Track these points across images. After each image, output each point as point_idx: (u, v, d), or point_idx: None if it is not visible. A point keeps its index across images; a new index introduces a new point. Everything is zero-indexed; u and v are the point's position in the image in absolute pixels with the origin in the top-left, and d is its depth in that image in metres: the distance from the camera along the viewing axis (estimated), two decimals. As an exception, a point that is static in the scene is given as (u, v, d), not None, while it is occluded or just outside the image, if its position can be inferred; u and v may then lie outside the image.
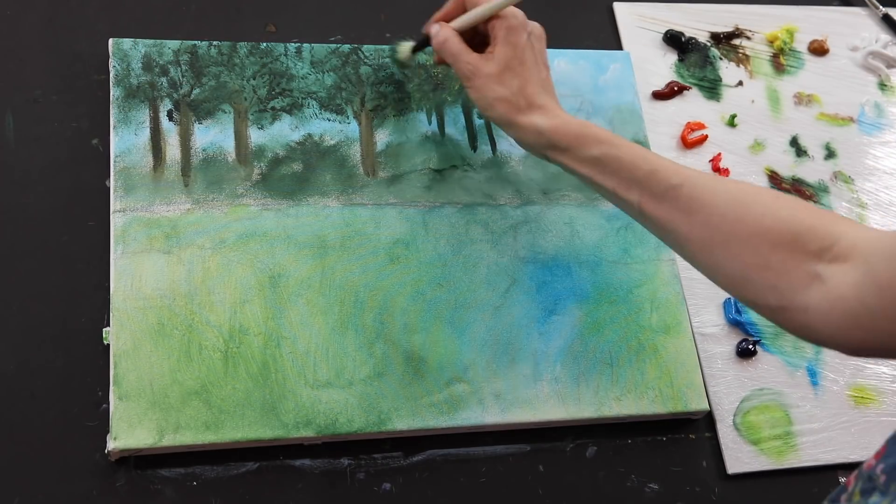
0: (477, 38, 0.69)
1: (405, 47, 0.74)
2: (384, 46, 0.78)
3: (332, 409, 0.64)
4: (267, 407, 0.63)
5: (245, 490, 0.63)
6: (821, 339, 0.57)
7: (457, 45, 0.67)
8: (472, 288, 0.70)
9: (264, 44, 0.76)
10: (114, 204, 0.67)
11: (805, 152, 0.86)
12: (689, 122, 0.84)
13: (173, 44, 0.74)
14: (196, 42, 0.74)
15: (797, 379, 0.75)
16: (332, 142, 0.73)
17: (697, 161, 0.82)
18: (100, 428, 0.62)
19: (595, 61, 0.83)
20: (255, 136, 0.72)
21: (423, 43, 0.72)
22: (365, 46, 0.77)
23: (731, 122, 0.85)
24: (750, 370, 0.74)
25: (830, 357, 0.76)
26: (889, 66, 0.93)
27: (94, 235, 0.68)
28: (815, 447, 0.72)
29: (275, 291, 0.67)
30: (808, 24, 0.93)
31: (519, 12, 0.67)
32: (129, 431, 0.61)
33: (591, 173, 0.64)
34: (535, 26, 0.68)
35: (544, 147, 0.65)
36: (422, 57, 0.78)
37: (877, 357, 0.56)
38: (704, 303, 0.76)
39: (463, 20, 0.68)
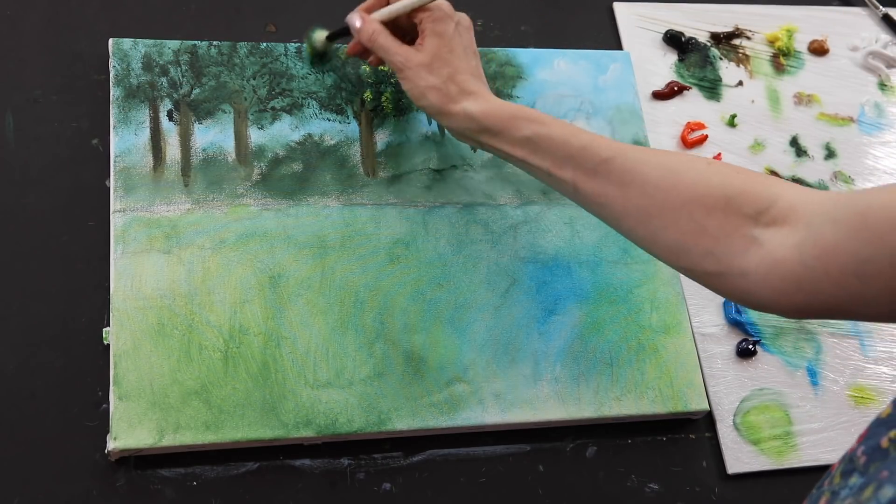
0: (398, 31, 0.68)
1: (320, 35, 0.72)
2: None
3: (332, 409, 0.64)
4: (267, 407, 0.63)
5: (245, 490, 0.63)
6: (760, 304, 0.56)
7: (386, 38, 0.66)
8: (472, 288, 0.70)
9: (264, 44, 0.76)
10: (114, 204, 0.67)
11: (805, 152, 0.86)
12: (689, 122, 0.84)
13: (173, 44, 0.74)
14: (196, 42, 0.74)
15: (797, 379, 0.75)
16: (332, 142, 0.73)
17: (697, 161, 0.82)
18: (100, 428, 0.62)
19: (595, 61, 0.83)
20: (255, 136, 0.72)
21: (341, 32, 0.70)
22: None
23: (731, 122, 0.85)
24: (750, 370, 0.74)
25: (830, 357, 0.76)
26: (889, 66, 0.93)
27: (94, 235, 0.68)
28: (815, 447, 0.72)
29: (275, 291, 0.67)
30: (808, 24, 0.93)
31: (445, 3, 0.66)
32: (129, 431, 0.61)
33: (525, 154, 0.63)
34: (463, 17, 0.68)
35: (477, 132, 0.65)
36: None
37: (818, 318, 0.56)
38: (704, 303, 0.76)
39: (388, 11, 0.67)
